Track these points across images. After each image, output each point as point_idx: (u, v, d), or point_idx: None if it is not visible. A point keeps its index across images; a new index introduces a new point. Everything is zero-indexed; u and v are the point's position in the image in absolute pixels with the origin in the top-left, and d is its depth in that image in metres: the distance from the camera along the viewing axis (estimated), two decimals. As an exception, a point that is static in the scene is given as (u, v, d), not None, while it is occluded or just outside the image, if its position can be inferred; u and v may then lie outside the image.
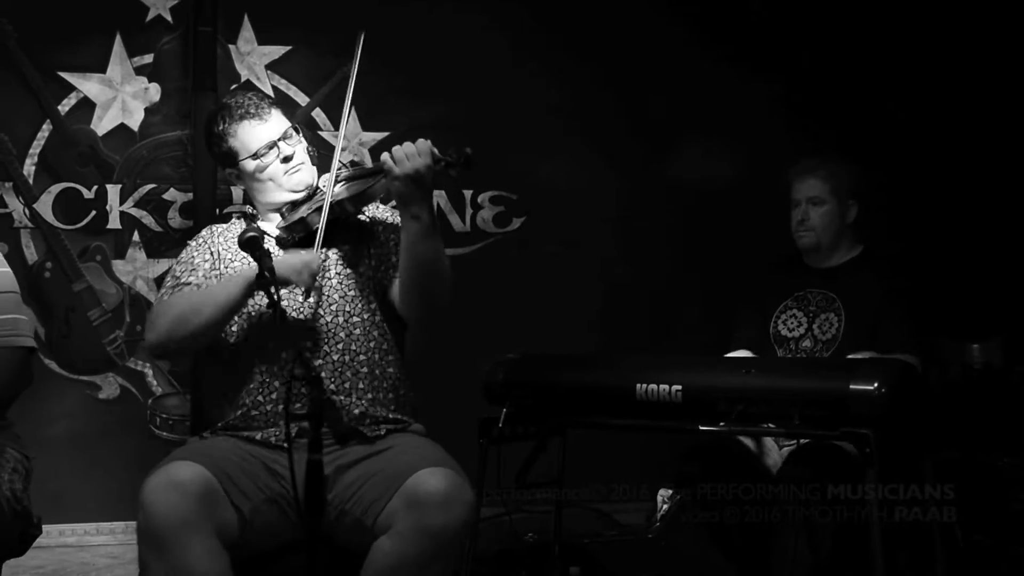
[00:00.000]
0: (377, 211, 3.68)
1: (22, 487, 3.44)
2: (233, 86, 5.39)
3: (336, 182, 3.54)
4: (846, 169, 4.33)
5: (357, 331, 3.47)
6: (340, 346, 3.44)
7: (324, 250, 3.47)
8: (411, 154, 3.31)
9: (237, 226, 3.65)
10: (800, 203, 4.31)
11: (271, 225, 3.62)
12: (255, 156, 3.55)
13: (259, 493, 3.27)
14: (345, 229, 3.56)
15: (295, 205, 3.59)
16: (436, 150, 3.34)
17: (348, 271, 3.53)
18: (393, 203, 3.52)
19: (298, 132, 3.64)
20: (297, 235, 3.53)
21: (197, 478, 3.15)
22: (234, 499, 3.22)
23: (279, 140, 3.57)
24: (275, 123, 3.58)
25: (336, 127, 5.45)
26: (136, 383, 5.37)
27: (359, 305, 3.50)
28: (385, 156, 3.33)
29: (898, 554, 3.54)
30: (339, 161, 3.56)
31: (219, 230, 3.68)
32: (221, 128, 3.59)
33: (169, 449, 3.50)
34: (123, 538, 5.13)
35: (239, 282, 3.36)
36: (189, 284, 3.50)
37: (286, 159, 3.56)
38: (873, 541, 3.25)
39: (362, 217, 3.65)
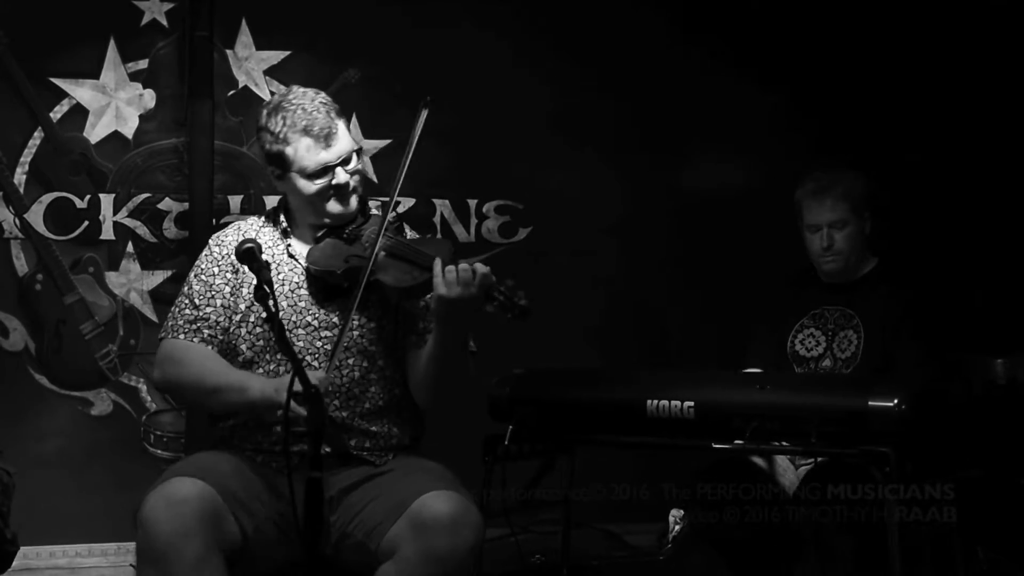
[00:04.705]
0: None
1: (1, 500, 3.43)
2: (230, 92, 5.37)
3: (381, 247, 3.38)
4: (859, 180, 4.26)
5: (373, 375, 3.43)
6: (357, 390, 3.40)
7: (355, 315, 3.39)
8: (465, 281, 3.22)
9: (269, 226, 3.56)
10: (820, 228, 4.20)
11: (301, 245, 3.51)
12: (306, 175, 3.42)
13: (261, 511, 3.24)
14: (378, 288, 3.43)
15: (331, 231, 3.49)
16: (495, 285, 3.25)
17: (372, 325, 3.45)
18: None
19: (359, 155, 3.51)
20: (328, 282, 3.43)
21: (198, 494, 3.11)
22: (237, 515, 3.18)
23: (337, 165, 3.43)
24: (339, 145, 3.42)
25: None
26: (129, 399, 5.32)
27: (379, 360, 3.45)
28: (437, 269, 3.23)
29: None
30: (385, 230, 3.41)
31: (248, 234, 3.52)
32: (278, 129, 3.41)
33: (163, 467, 3.53)
34: (115, 560, 5.08)
35: (248, 399, 3.29)
36: (208, 320, 3.43)
37: (338, 187, 3.44)
38: (892, 561, 3.21)
39: None
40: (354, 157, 3.46)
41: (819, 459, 3.78)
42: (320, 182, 3.41)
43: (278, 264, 3.45)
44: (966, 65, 5.73)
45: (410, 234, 3.61)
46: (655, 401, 3.46)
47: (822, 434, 3.27)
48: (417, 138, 3.44)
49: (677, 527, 4.37)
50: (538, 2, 5.65)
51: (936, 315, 4.15)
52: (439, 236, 5.37)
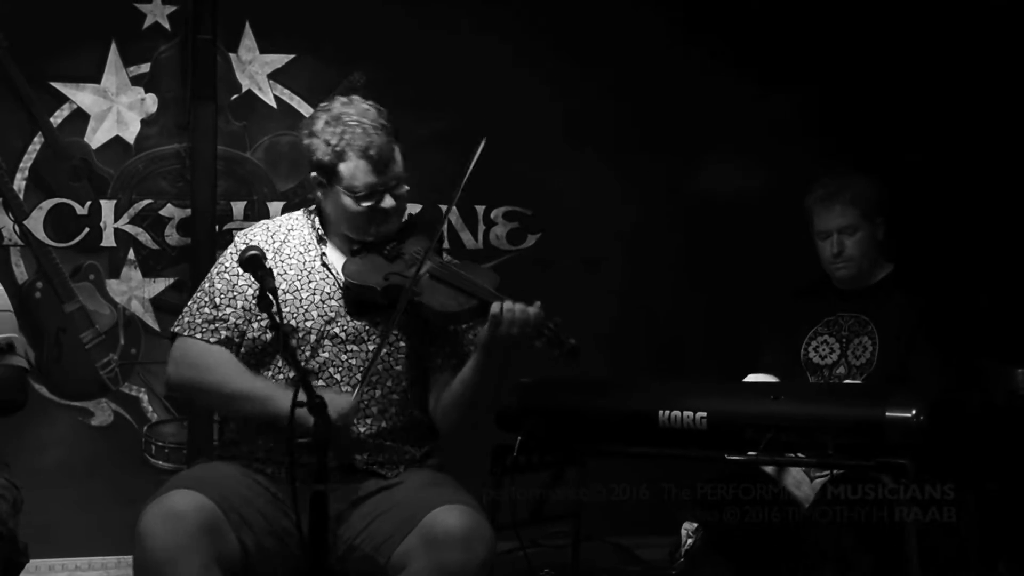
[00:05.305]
0: None
1: (9, 511, 3.42)
2: (233, 96, 5.32)
3: (426, 269, 3.37)
4: (869, 185, 4.24)
5: (396, 395, 3.39)
6: (376, 409, 3.36)
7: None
8: (519, 320, 3.24)
9: (300, 229, 3.52)
10: (830, 234, 4.19)
11: (337, 254, 3.47)
12: (354, 195, 3.38)
13: (263, 524, 3.22)
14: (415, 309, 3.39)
15: (369, 245, 3.46)
16: (545, 323, 3.29)
17: (402, 344, 3.41)
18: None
19: (406, 180, 3.47)
20: (364, 298, 3.39)
21: (197, 507, 3.10)
22: (236, 529, 3.17)
23: (387, 191, 3.39)
24: (392, 171, 3.39)
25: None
26: (131, 409, 5.26)
27: (403, 381, 3.40)
28: (495, 306, 3.24)
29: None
30: (429, 252, 3.40)
31: (277, 236, 3.50)
32: (336, 142, 3.36)
33: (164, 479, 3.44)
34: (116, 573, 5.04)
35: (270, 410, 3.21)
36: (227, 322, 3.38)
37: (384, 211, 3.41)
38: (910, 566, 3.21)
39: None
40: (403, 182, 3.44)
41: (835, 471, 3.72)
42: (367, 204, 3.38)
43: (310, 272, 3.42)
44: (966, 65, 5.68)
45: (447, 257, 3.60)
46: (667, 411, 3.46)
47: (839, 445, 3.26)
48: (470, 171, 3.44)
49: (689, 540, 4.33)
50: (541, 4, 5.60)
51: (953, 323, 4.12)
52: (445, 243, 5.30)
